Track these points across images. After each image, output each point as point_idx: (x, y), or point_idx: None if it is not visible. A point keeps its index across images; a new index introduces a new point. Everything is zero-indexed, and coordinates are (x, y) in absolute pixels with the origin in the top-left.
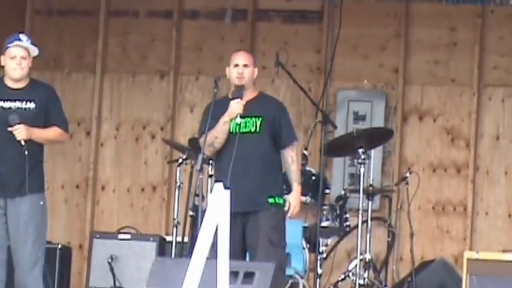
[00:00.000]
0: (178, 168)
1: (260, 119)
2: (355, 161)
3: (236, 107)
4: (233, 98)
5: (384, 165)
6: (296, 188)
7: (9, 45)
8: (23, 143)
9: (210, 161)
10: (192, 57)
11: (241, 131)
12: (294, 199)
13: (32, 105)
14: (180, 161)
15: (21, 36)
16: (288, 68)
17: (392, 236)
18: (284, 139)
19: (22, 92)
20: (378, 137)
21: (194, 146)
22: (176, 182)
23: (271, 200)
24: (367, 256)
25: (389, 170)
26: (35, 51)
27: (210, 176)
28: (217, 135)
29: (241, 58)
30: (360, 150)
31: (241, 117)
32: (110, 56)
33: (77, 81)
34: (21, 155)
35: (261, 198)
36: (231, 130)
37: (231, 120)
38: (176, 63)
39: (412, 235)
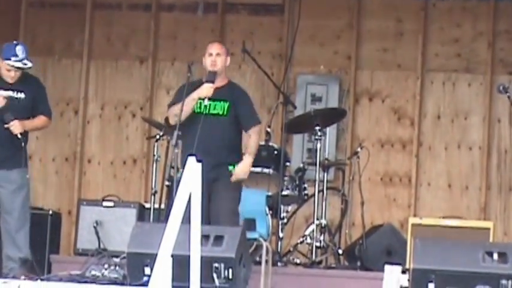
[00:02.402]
0: (156, 144)
1: (228, 103)
2: (313, 137)
3: (207, 89)
4: (206, 81)
5: (338, 141)
6: (246, 158)
7: (6, 59)
8: (19, 136)
9: None
10: (168, 45)
11: (210, 112)
12: (239, 168)
13: (22, 95)
14: (158, 137)
15: (18, 50)
16: (253, 55)
17: (345, 203)
18: (246, 121)
19: (14, 84)
20: (333, 116)
21: (170, 124)
22: (154, 155)
23: (230, 168)
24: (323, 221)
25: (343, 145)
26: (28, 65)
27: None
28: (184, 109)
29: (215, 48)
30: (317, 128)
31: (209, 99)
32: (95, 44)
33: (66, 67)
34: (16, 143)
35: (222, 168)
36: (199, 110)
37: (199, 99)
38: (154, 51)
39: (362, 203)
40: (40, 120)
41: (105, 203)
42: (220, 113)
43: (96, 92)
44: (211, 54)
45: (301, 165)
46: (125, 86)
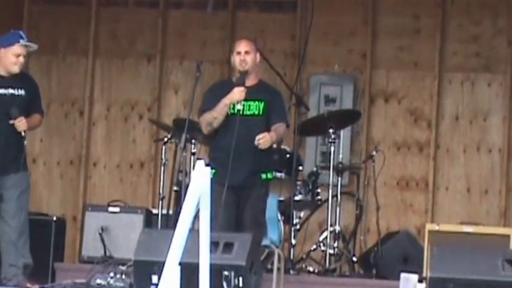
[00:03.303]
0: (163, 147)
1: (263, 103)
2: (326, 140)
3: (239, 93)
4: (237, 84)
5: (352, 144)
6: (269, 133)
7: (14, 43)
8: (23, 133)
9: (193, 140)
10: (177, 43)
11: (244, 113)
12: (262, 135)
13: (22, 92)
14: (166, 139)
15: (23, 34)
16: (265, 53)
17: (360, 209)
18: (274, 117)
19: (13, 80)
20: (347, 118)
21: (178, 126)
22: (162, 159)
23: (263, 176)
24: (337, 228)
25: (358, 148)
26: (34, 47)
27: (193, 153)
28: (216, 115)
29: (243, 46)
30: (331, 130)
31: (241, 103)
32: (101, 42)
33: (71, 65)
34: (18, 141)
35: (256, 175)
36: (233, 112)
37: (231, 104)
38: (162, 48)
39: (378, 208)
40: (37, 119)
41: (111, 209)
42: (256, 112)
43: (102, 91)
44: (239, 53)
45: (315, 169)
46: (132, 86)
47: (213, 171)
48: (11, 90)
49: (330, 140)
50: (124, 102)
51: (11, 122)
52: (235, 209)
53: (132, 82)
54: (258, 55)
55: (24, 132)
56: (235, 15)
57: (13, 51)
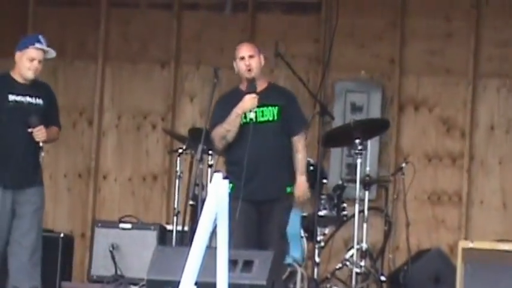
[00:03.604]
0: (178, 158)
1: (277, 108)
2: (352, 151)
3: (251, 101)
4: (248, 92)
5: (380, 156)
6: (299, 178)
7: (29, 46)
8: (41, 144)
9: (210, 152)
10: (193, 47)
11: (258, 120)
12: (299, 190)
13: (40, 101)
14: (181, 151)
15: (41, 38)
16: (287, 58)
17: (389, 225)
18: (293, 127)
19: (30, 88)
20: (375, 127)
21: (194, 136)
22: (176, 171)
23: (288, 189)
24: (364, 245)
25: (386, 160)
26: (52, 53)
27: (210, 165)
28: (229, 128)
29: (245, 50)
30: (357, 141)
31: (254, 110)
32: (111, 46)
33: (79, 70)
34: (35, 153)
35: (278, 187)
36: (245, 121)
37: (244, 113)
38: (177, 53)
39: (408, 224)
40: (54, 131)
41: (122, 225)
42: (271, 118)
43: (112, 99)
44: (243, 58)
45: (340, 182)
46: (144, 93)
47: (230, 185)
48: (28, 99)
49: (357, 151)
50: (136, 111)
51: (30, 130)
52: (256, 226)
53: (144, 89)
54: (262, 57)
55: (43, 143)
56: (255, 17)
57: (27, 55)
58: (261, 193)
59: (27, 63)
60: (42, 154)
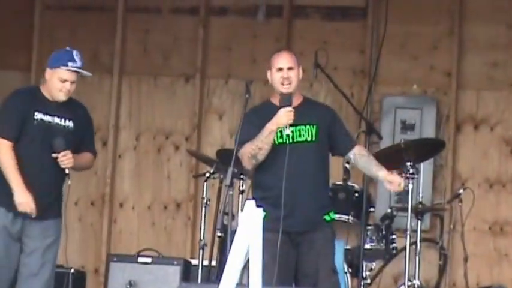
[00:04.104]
0: (205, 183)
1: (315, 127)
2: (403, 175)
3: (286, 116)
4: (282, 106)
5: (434, 181)
6: (385, 172)
7: (61, 65)
8: (67, 171)
9: (241, 176)
10: (221, 58)
11: (295, 140)
12: (393, 177)
13: (70, 124)
14: (207, 175)
15: (75, 55)
16: (328, 70)
17: (444, 259)
18: (348, 143)
19: (61, 108)
20: (429, 148)
21: (223, 158)
22: (203, 198)
23: (327, 218)
24: (416, 282)
25: (441, 185)
26: (87, 75)
27: (241, 192)
28: (261, 146)
29: (284, 60)
30: (408, 164)
31: (289, 127)
32: (128, 56)
33: (92, 84)
34: (58, 181)
35: (317, 216)
36: (281, 141)
37: (278, 130)
38: (203, 65)
39: (466, 258)
40: (86, 157)
41: (140, 259)
42: (309, 139)
43: (130, 117)
44: (281, 69)
45: (389, 210)
46: (166, 110)
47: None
48: (56, 120)
49: (408, 176)
50: (156, 130)
51: (54, 155)
52: (293, 261)
53: (166, 105)
54: (301, 70)
55: (69, 170)
56: (291, 24)
57: (58, 75)
58: (298, 223)
59: (58, 84)
60: (69, 182)
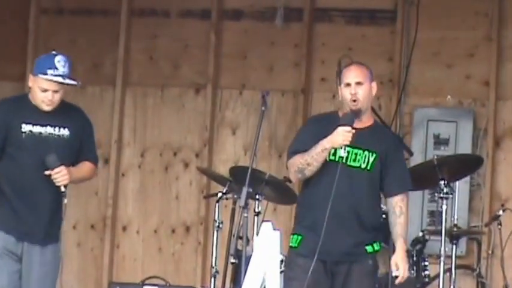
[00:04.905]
0: (217, 204)
1: (374, 155)
2: (436, 195)
3: (343, 136)
4: (342, 124)
5: (471, 201)
6: (401, 246)
7: (41, 73)
8: (63, 189)
9: (257, 196)
10: (235, 67)
11: (348, 163)
12: (401, 261)
13: (66, 132)
14: (220, 195)
15: (57, 62)
16: None
17: (482, 287)
18: (396, 184)
19: (53, 116)
20: (464, 165)
21: (237, 177)
22: (215, 221)
23: (369, 249)
24: None
25: (479, 206)
26: (70, 84)
27: (257, 213)
28: (311, 162)
29: (353, 75)
30: (442, 183)
31: (346, 148)
32: (133, 65)
33: (92, 96)
34: (54, 201)
35: (359, 246)
36: (333, 159)
37: (333, 148)
38: (215, 74)
39: (506, 287)
40: (86, 167)
41: None
42: (364, 166)
43: (134, 132)
44: (349, 85)
45: (420, 234)
46: (175, 124)
47: (299, 238)
48: (49, 129)
49: (442, 196)
50: (164, 146)
51: (47, 173)
52: None
53: (174, 119)
54: (374, 84)
55: (65, 187)
56: (312, 28)
57: (38, 84)
58: (337, 252)
59: (40, 94)
60: (65, 201)
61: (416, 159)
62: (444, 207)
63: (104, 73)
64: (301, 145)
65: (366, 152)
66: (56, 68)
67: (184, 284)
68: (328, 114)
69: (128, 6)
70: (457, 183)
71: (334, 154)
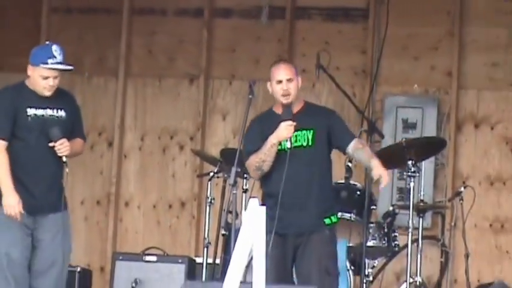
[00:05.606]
0: (209, 183)
1: (312, 132)
2: (405, 174)
3: (286, 130)
4: (283, 120)
5: (436, 179)
6: (377, 162)
7: (40, 63)
8: (65, 159)
9: (245, 175)
10: (225, 60)
11: (292, 146)
12: (382, 171)
13: (63, 113)
14: (212, 174)
15: (54, 51)
16: (330, 70)
17: (446, 256)
18: (346, 139)
19: (51, 99)
20: (430, 147)
21: (227, 158)
22: (207, 197)
23: (327, 221)
24: (418, 279)
25: (442, 183)
26: (68, 70)
27: (245, 190)
28: (265, 158)
29: (283, 73)
30: (410, 162)
31: (291, 140)
32: (134, 59)
33: (98, 86)
34: (58, 171)
35: (316, 219)
36: (280, 147)
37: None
38: (207, 66)
39: (467, 255)
40: (79, 143)
41: (146, 257)
42: (305, 144)
43: (135, 118)
44: (280, 82)
45: (391, 208)
46: (171, 111)
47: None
48: (49, 111)
49: (409, 174)
50: (161, 131)
51: (51, 144)
52: (291, 262)
53: (171, 106)
54: (299, 79)
55: (66, 158)
56: (294, 25)
57: (39, 73)
58: (296, 226)
59: (41, 81)
60: (67, 170)
61: (387, 142)
62: (412, 184)
63: (108, 66)
64: (252, 146)
65: (304, 131)
66: (55, 57)
67: (180, 254)
68: (265, 112)
69: (129, 6)
70: (423, 163)
71: (280, 144)
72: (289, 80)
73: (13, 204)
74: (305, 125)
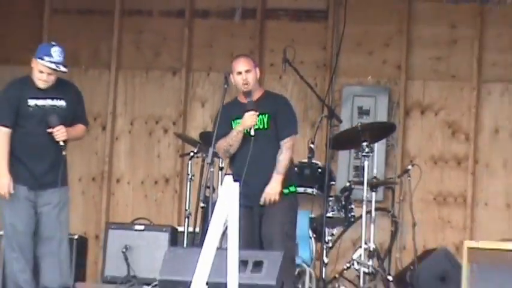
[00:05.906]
0: (189, 162)
1: (267, 116)
2: (360, 154)
3: (250, 119)
4: (247, 110)
5: (387, 158)
6: (274, 178)
7: (39, 58)
8: (62, 143)
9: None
10: (204, 54)
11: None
12: (269, 188)
13: (62, 103)
14: (192, 154)
15: (54, 51)
16: (295, 64)
17: (396, 226)
18: (281, 130)
19: (51, 90)
20: (382, 130)
21: (205, 140)
22: (188, 174)
23: (285, 191)
24: (371, 245)
25: (393, 162)
26: (62, 69)
27: (221, 168)
28: (232, 143)
29: (242, 65)
30: (364, 144)
31: (254, 127)
32: (124, 53)
33: (93, 77)
34: (56, 153)
35: None
36: (246, 132)
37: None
38: (188, 60)
39: (414, 225)
40: (79, 129)
41: (135, 227)
42: (261, 126)
43: (125, 105)
44: (240, 73)
45: (348, 184)
46: (156, 99)
47: None
48: (49, 102)
49: (364, 154)
50: (148, 116)
51: (49, 130)
52: (258, 230)
53: (156, 95)
54: (257, 70)
55: (64, 142)
56: (263, 24)
57: (37, 66)
58: (258, 198)
59: (37, 74)
60: (64, 153)
61: (344, 126)
62: (366, 163)
63: (102, 59)
64: (221, 131)
65: (261, 116)
66: (52, 56)
67: (164, 224)
68: (231, 101)
69: (120, 7)
70: (376, 144)
71: (246, 131)
72: (247, 71)
73: (4, 183)
74: (263, 109)
